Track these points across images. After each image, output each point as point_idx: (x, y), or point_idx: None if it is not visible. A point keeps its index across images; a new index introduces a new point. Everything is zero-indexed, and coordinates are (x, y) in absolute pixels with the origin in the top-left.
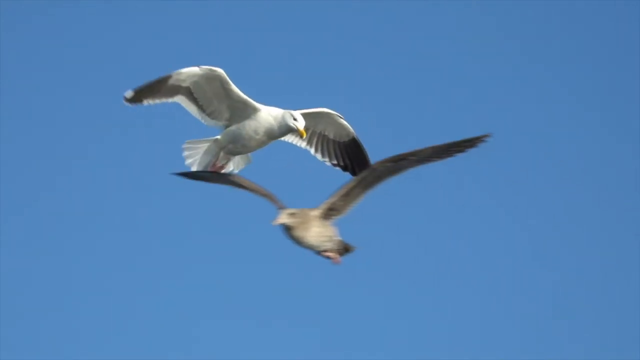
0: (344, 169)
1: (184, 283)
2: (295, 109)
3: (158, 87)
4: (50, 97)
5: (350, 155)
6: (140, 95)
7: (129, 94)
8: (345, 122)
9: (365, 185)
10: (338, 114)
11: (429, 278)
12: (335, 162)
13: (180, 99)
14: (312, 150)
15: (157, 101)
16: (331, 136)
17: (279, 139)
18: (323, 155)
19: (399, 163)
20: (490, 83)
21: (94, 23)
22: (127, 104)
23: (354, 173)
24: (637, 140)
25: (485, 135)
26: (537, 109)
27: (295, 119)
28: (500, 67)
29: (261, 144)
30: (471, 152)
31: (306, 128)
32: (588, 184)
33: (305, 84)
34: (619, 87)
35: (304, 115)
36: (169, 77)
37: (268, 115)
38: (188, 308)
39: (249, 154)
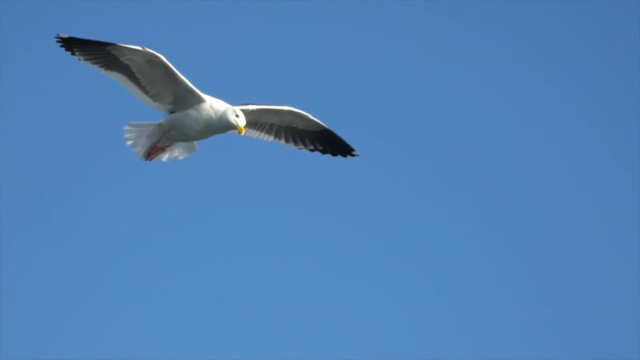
0: (323, 152)
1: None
2: (265, 102)
3: (94, 47)
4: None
5: (327, 140)
6: (73, 42)
7: (64, 35)
8: (313, 118)
9: None
10: (304, 113)
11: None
12: (312, 147)
13: (120, 77)
14: (283, 142)
15: (89, 61)
16: (300, 127)
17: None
18: (297, 144)
19: None
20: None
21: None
22: (58, 42)
23: (334, 154)
24: (635, 141)
25: None
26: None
27: (237, 116)
28: (497, 69)
29: (202, 135)
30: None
31: (269, 123)
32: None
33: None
34: (616, 88)
35: (265, 111)
36: (108, 44)
37: (210, 107)
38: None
39: (195, 142)
